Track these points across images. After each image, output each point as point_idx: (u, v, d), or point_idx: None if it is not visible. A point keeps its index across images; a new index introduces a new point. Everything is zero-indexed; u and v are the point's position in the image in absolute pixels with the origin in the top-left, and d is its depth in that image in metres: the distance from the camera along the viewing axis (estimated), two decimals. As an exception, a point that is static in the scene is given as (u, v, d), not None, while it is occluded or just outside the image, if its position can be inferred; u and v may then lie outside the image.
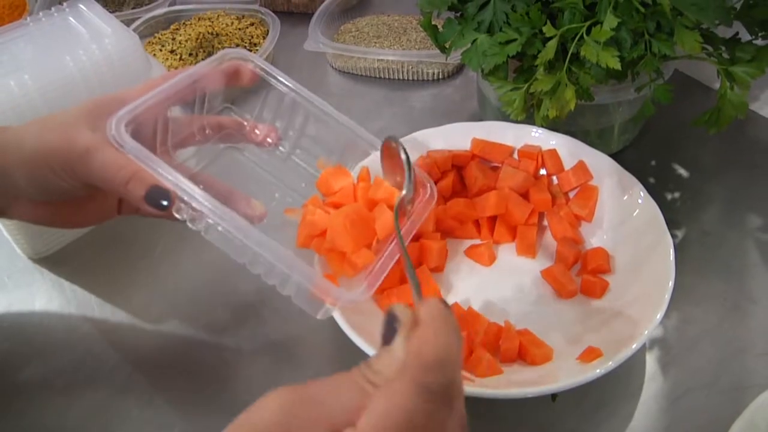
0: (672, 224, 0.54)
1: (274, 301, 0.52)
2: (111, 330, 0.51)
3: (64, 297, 0.53)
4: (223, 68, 0.44)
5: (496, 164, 0.54)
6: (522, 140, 0.55)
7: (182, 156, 0.49)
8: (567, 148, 0.54)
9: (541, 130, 0.54)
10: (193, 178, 0.46)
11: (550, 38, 0.46)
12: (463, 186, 0.54)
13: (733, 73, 0.49)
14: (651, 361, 0.47)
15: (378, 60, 0.70)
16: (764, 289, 0.51)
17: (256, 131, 0.48)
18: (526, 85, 0.48)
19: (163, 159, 0.44)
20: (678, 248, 0.52)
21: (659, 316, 0.42)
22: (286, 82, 0.47)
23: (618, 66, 0.43)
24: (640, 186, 0.50)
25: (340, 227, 0.44)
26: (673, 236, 0.55)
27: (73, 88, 0.50)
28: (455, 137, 0.55)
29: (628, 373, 0.46)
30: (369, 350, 0.41)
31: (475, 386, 0.40)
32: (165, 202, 0.38)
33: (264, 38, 0.74)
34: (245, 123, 0.48)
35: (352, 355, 0.41)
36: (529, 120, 0.52)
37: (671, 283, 0.44)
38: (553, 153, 0.53)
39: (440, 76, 0.71)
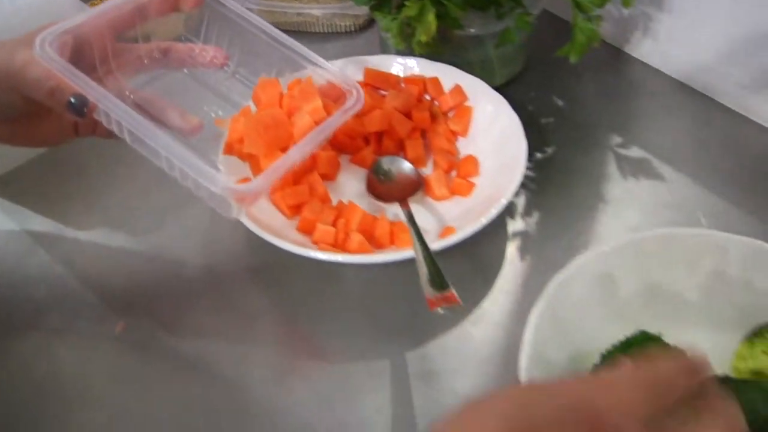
0: (544, 143, 0.63)
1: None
2: (55, 245, 0.57)
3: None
4: None
5: (385, 92, 0.62)
6: (409, 71, 0.62)
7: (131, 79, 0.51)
8: (447, 76, 0.61)
9: (425, 62, 0.62)
10: (132, 94, 0.49)
11: (417, -30, 0.53)
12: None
13: (580, 3, 0.56)
14: (512, 249, 0.55)
15: (297, 14, 0.77)
16: (616, 192, 0.59)
17: (204, 54, 0.51)
18: (400, 14, 0.56)
19: (106, 79, 0.47)
20: (549, 160, 0.60)
21: (504, 200, 0.50)
22: (228, 4, 0.50)
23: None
24: (506, 104, 0.58)
25: (252, 131, 0.46)
26: (545, 151, 0.63)
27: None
28: (351, 70, 0.62)
29: (491, 260, 0.54)
30: (271, 239, 0.47)
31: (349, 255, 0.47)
32: (84, 109, 0.42)
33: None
34: (194, 47, 0.51)
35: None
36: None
37: (520, 175, 0.51)
38: (434, 80, 0.61)
39: (353, 29, 0.78)
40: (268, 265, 0.54)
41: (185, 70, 0.55)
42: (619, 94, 0.70)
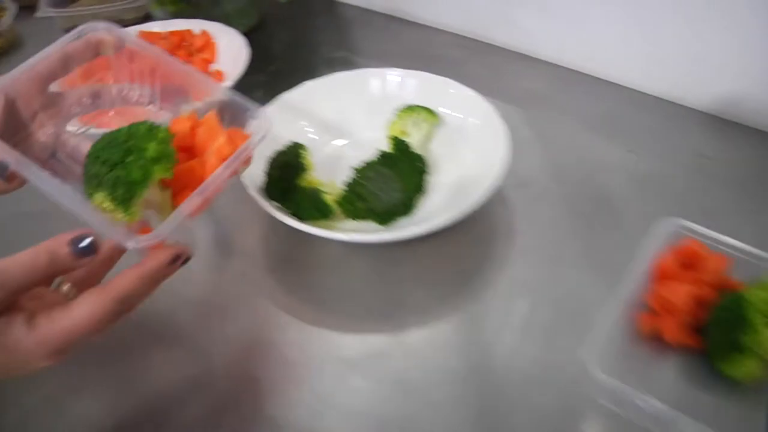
0: (271, 59, 0.90)
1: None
2: None
3: None
4: (88, 41, 0.47)
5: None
6: (171, 28, 0.89)
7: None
8: (197, 26, 0.89)
9: (182, 21, 0.89)
10: (62, 149, 0.49)
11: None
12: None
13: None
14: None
15: (92, 15, 1.02)
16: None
17: (131, 93, 0.51)
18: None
19: (39, 132, 0.48)
20: (275, 72, 0.88)
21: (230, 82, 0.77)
22: (144, 45, 0.48)
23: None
24: (235, 32, 0.86)
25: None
26: (273, 63, 0.91)
27: None
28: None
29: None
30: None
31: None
32: (5, 173, 0.42)
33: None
34: (123, 87, 0.51)
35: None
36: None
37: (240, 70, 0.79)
38: (188, 31, 0.88)
39: (137, 21, 1.03)
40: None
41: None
42: (331, 27, 1.00)
